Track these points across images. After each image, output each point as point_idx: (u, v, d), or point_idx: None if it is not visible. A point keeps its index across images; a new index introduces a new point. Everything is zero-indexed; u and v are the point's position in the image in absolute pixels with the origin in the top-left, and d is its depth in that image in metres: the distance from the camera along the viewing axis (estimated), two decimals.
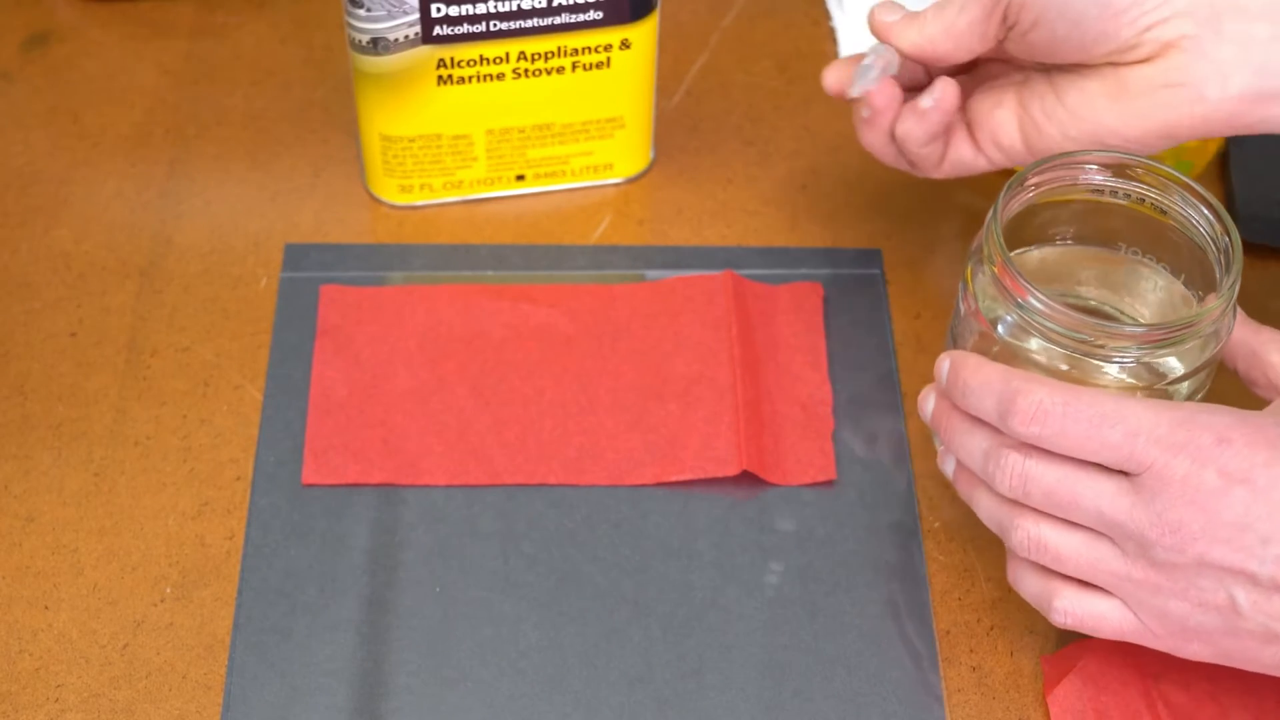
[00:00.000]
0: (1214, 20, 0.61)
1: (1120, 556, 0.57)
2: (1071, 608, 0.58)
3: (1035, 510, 0.58)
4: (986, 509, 0.60)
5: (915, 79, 0.69)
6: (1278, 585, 0.55)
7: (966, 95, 0.69)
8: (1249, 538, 0.54)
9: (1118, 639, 0.59)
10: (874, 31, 0.67)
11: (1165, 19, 0.61)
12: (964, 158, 0.68)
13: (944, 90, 0.66)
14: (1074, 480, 0.57)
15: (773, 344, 0.73)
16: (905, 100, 0.68)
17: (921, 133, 0.67)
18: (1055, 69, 0.65)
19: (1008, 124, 0.67)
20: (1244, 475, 0.54)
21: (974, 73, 0.70)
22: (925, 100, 0.66)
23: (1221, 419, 0.55)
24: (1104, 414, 0.56)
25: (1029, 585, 0.60)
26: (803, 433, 0.70)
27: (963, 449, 0.60)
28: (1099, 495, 0.56)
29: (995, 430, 0.59)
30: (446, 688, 0.63)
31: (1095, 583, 0.58)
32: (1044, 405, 0.56)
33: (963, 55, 0.66)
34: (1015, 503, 0.59)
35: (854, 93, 0.67)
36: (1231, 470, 0.54)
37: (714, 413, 0.70)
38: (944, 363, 0.61)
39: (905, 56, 0.67)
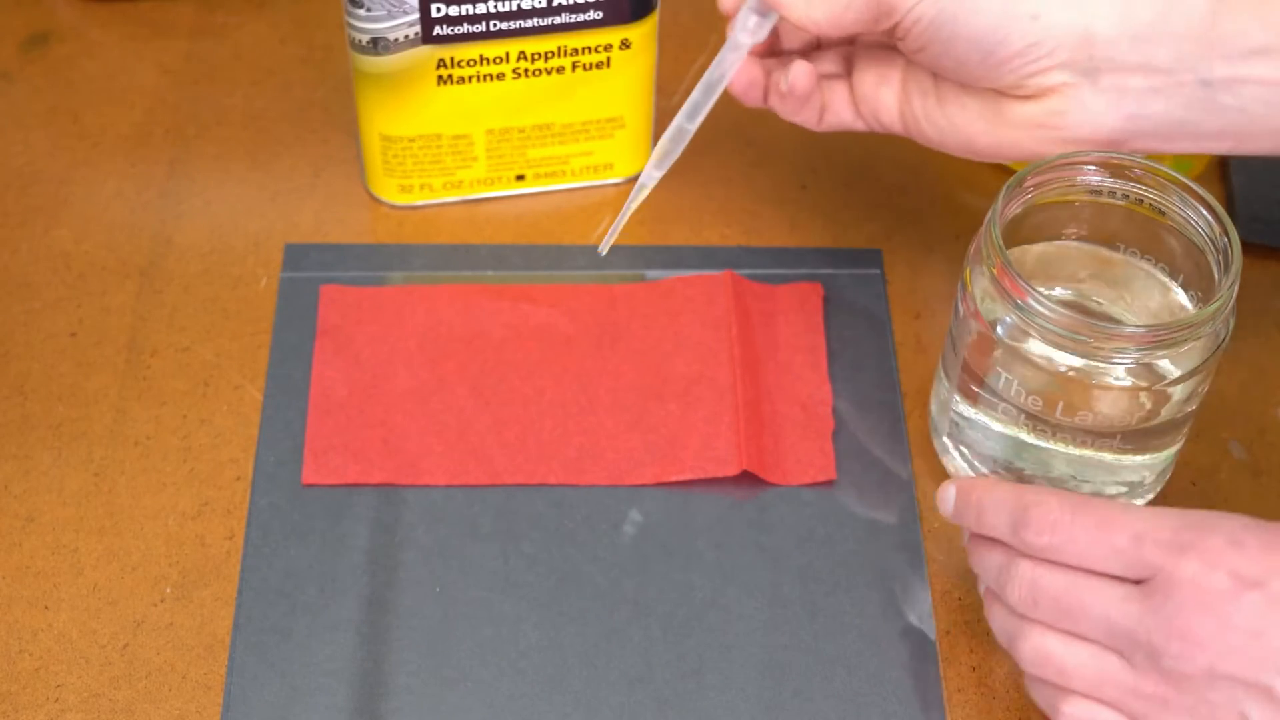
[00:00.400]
0: (1092, 73, 0.62)
1: (1128, 669, 0.55)
2: (1080, 713, 0.56)
3: (1043, 624, 0.57)
4: (998, 622, 0.59)
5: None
6: None
7: (853, 45, 0.70)
8: (1262, 647, 0.52)
9: None
10: None
11: (1046, 69, 0.63)
12: (844, 120, 0.70)
13: (796, 77, 0.68)
14: (1081, 588, 0.55)
15: (773, 344, 0.73)
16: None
17: (787, 108, 0.69)
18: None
19: (889, 105, 0.68)
20: (1257, 580, 0.52)
21: None
22: (782, 84, 0.68)
23: (1232, 523, 0.54)
24: (1109, 519, 0.55)
25: (1040, 694, 0.58)
26: (803, 433, 0.70)
27: (980, 566, 0.60)
28: (1107, 602, 0.55)
29: (1009, 546, 0.58)
30: (446, 688, 0.63)
31: (1102, 699, 0.56)
32: (1054, 515, 0.56)
33: (846, 36, 0.67)
34: (1024, 616, 0.57)
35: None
36: (1244, 574, 0.52)
37: (714, 413, 0.70)
38: (948, 491, 0.61)
39: (790, 23, 0.67)
